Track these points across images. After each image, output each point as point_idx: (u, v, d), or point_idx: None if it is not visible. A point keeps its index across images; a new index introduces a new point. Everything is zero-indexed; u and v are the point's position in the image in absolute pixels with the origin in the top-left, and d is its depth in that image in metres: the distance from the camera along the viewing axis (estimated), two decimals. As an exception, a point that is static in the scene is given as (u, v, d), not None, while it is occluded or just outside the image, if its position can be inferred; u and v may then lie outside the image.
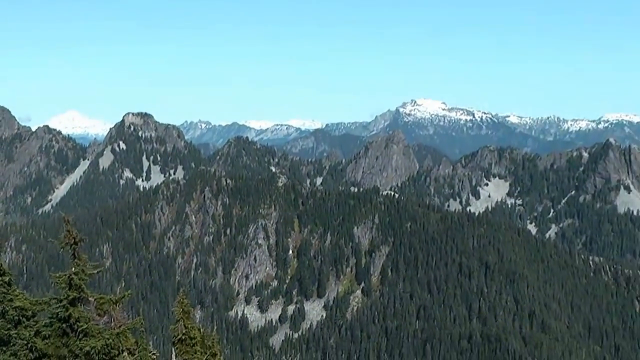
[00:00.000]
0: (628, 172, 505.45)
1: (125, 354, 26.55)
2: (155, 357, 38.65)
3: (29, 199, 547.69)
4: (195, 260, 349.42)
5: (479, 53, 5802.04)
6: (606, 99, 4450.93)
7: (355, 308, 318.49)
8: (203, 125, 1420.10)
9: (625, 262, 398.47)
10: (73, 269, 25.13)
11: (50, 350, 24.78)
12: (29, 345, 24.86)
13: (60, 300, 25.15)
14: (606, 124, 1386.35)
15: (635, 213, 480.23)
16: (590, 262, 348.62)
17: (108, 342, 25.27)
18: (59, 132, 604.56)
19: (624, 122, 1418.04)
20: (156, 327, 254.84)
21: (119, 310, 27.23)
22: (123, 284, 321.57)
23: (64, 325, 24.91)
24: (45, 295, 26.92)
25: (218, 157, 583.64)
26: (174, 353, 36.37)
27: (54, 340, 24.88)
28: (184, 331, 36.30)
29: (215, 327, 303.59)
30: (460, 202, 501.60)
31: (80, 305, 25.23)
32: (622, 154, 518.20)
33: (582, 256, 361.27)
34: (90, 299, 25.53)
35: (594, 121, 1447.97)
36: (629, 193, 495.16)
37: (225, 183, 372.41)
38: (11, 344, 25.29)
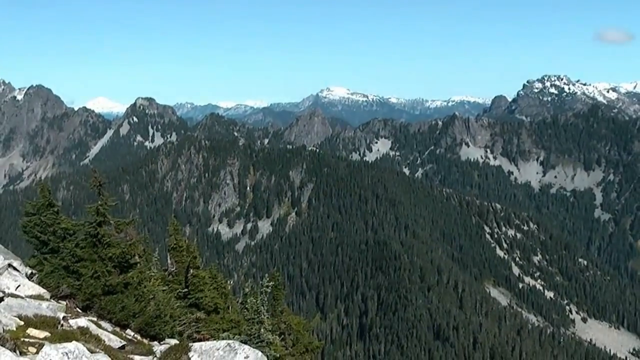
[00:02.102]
0: (467, 134, 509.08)
1: (136, 257, 26.42)
2: (156, 259, 38.50)
3: (74, 156, 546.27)
4: (185, 195, 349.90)
5: (376, 51, 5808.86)
6: (452, 85, 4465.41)
7: (291, 224, 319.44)
8: (189, 105, 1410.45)
9: (466, 192, 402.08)
10: (99, 202, 24.95)
11: (85, 255, 24.59)
12: (71, 253, 24.65)
13: (91, 223, 24.93)
14: (453, 103, 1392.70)
15: (472, 160, 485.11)
16: (444, 192, 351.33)
17: (124, 250, 25.12)
18: (93, 111, 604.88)
19: (465, 101, 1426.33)
20: (159, 239, 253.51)
21: (131, 229, 27.04)
22: (137, 211, 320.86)
23: (94, 239, 24.70)
24: (82, 220, 26.68)
25: (199, 126, 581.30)
26: (169, 257, 36.25)
27: (87, 250, 24.65)
28: (175, 242, 36.16)
29: (198, 239, 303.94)
30: (359, 154, 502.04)
31: (105, 226, 25.01)
32: (464, 123, 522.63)
33: (439, 189, 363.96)
34: (111, 221, 25.33)
35: (445, 101, 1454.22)
36: (468, 147, 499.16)
37: (204, 143, 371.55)
38: (60, 252, 25.09)
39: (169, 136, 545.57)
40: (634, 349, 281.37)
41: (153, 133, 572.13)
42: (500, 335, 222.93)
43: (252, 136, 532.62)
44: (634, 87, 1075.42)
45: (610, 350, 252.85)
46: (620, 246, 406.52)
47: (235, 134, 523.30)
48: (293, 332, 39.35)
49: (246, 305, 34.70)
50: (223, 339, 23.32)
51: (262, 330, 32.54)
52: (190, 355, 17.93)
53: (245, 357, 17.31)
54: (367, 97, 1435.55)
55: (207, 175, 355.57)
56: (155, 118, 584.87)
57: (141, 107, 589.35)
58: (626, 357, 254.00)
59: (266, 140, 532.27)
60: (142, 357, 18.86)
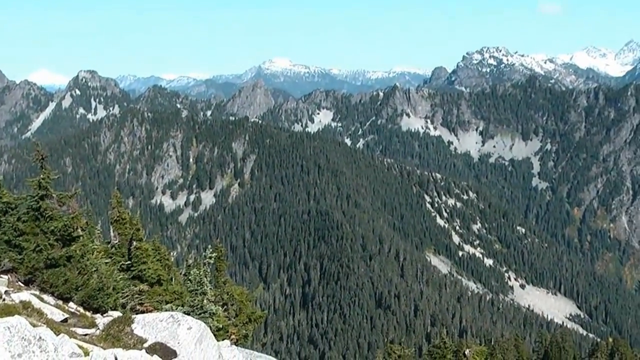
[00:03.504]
0: (408, 105, 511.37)
1: (79, 230, 26.22)
2: (99, 232, 38.31)
3: (16, 129, 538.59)
4: (127, 167, 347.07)
5: (317, 22, 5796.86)
6: (393, 56, 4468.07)
7: (234, 195, 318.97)
8: (131, 78, 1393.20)
9: (406, 162, 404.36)
10: (41, 175, 24.74)
11: (27, 229, 24.37)
12: (13, 227, 24.43)
13: (33, 197, 24.72)
14: (394, 74, 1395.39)
15: (412, 130, 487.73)
16: (385, 163, 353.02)
17: (66, 223, 24.91)
18: (35, 84, 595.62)
19: (405, 72, 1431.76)
20: (101, 212, 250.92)
21: (73, 202, 26.83)
22: (80, 184, 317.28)
23: (36, 213, 24.49)
24: (24, 193, 26.45)
25: (142, 99, 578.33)
26: (111, 229, 36.06)
27: (30, 223, 24.43)
28: (118, 214, 35.95)
29: (141, 211, 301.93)
30: (302, 125, 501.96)
31: (47, 199, 24.81)
32: (404, 93, 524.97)
33: (380, 159, 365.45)
34: (53, 195, 25.12)
35: (386, 72, 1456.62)
36: (408, 118, 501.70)
37: (147, 115, 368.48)
38: (1, 226, 24.85)
39: (111, 109, 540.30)
40: (570, 314, 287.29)
41: (96, 106, 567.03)
42: (441, 302, 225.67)
43: (195, 108, 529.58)
44: (571, 59, 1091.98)
45: (547, 315, 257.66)
46: (557, 214, 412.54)
47: (178, 105, 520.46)
48: (236, 302, 39.43)
49: (189, 277, 34.71)
50: (166, 310, 23.39)
51: (204, 301, 32.60)
52: (133, 327, 17.96)
53: (188, 328, 17.42)
54: (309, 68, 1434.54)
55: (149, 147, 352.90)
56: (98, 91, 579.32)
57: (83, 80, 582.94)
58: (563, 322, 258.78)
59: (209, 112, 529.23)
60: (85, 329, 18.83)
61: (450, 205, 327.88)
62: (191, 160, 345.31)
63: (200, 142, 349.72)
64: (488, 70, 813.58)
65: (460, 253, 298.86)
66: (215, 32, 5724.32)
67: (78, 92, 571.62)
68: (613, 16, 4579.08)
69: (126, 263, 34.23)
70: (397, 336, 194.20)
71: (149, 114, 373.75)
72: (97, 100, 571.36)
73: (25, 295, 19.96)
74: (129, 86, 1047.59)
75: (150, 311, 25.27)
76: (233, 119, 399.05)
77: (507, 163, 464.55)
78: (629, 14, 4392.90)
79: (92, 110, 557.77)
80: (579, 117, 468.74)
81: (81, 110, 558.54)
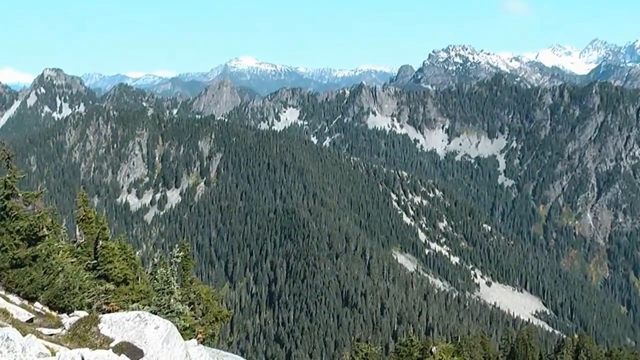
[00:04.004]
0: (374, 103, 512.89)
1: (44, 229, 26.13)
2: (64, 231, 38.15)
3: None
4: (93, 166, 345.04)
5: (284, 21, 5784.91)
6: (360, 54, 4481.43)
7: (200, 194, 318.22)
8: (97, 76, 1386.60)
9: (373, 160, 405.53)
10: (7, 175, 24.64)
11: (-8, 229, 24.31)
12: (-22, 227, 24.34)
13: (-2, 196, 24.66)
14: (360, 72, 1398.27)
15: (379, 129, 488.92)
16: (351, 161, 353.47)
17: (32, 222, 24.83)
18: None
19: (372, 71, 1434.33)
20: (67, 211, 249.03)
21: (39, 201, 26.74)
22: (45, 183, 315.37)
23: (1, 212, 24.41)
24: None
25: (108, 97, 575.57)
26: (77, 228, 35.94)
27: (-5, 223, 24.37)
28: (83, 213, 35.85)
29: (107, 210, 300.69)
30: (268, 124, 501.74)
31: (12, 198, 24.71)
32: (371, 92, 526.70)
33: (346, 157, 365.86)
34: (19, 194, 25.02)
35: (352, 70, 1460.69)
36: (375, 116, 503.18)
37: (112, 114, 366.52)
38: (-34, 226, 24.74)
39: (77, 107, 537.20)
40: (536, 311, 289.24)
41: (61, 104, 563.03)
42: (407, 300, 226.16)
43: (161, 106, 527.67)
44: (536, 57, 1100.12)
45: (513, 312, 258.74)
46: (522, 211, 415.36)
47: (144, 104, 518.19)
48: (202, 301, 39.48)
49: (156, 276, 34.71)
50: (133, 310, 23.37)
51: (171, 300, 32.63)
52: (99, 327, 17.97)
53: (155, 328, 17.45)
54: (276, 66, 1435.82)
55: (115, 145, 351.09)
56: (63, 89, 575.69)
57: (49, 78, 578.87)
58: (529, 319, 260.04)
59: (175, 111, 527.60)
60: (51, 329, 18.81)
61: (417, 203, 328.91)
62: (157, 158, 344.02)
63: (166, 141, 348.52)
64: (454, 68, 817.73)
65: (427, 251, 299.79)
66: (181, 31, 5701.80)
67: (43, 90, 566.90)
68: (578, 15, 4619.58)
69: (92, 262, 34.10)
70: (363, 334, 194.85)
71: (115, 113, 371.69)
72: (63, 98, 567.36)
73: (-9, 295, 19.89)
74: (94, 84, 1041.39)
75: (117, 311, 25.24)
76: (199, 117, 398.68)
77: (473, 161, 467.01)
78: (594, 12, 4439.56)
79: (58, 109, 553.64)
80: (544, 115, 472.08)
81: (46, 109, 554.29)
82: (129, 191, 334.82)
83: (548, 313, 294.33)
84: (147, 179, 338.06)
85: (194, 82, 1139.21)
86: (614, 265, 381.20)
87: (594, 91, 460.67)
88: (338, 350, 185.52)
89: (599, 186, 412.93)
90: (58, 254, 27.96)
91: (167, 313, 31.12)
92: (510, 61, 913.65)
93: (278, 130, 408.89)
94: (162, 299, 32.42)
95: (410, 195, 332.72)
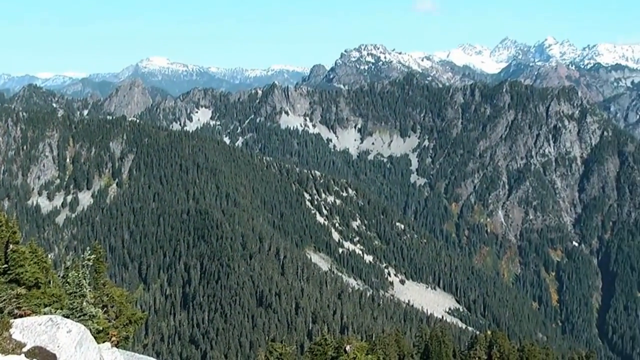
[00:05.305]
0: (287, 103, 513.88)
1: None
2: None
3: None
4: (2, 168, 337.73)
5: (195, 20, 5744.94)
6: (272, 54, 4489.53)
7: (112, 196, 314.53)
8: (5, 77, 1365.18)
9: (286, 160, 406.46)
10: None
11: None
12: None
13: None
14: (272, 72, 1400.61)
15: (292, 128, 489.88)
16: (264, 161, 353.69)
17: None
18: None
19: (284, 70, 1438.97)
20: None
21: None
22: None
23: None
24: None
25: (17, 98, 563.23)
26: (-15, 233, 35.23)
27: None
28: (-8, 217, 35.23)
29: (17, 213, 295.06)
30: (180, 124, 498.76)
31: None
32: (283, 91, 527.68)
33: (259, 157, 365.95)
34: None
35: (265, 70, 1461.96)
36: (287, 116, 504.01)
37: (21, 115, 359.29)
38: None
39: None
40: (449, 308, 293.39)
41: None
42: (322, 299, 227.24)
43: (72, 107, 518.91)
44: (447, 56, 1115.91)
45: (427, 310, 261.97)
46: (435, 210, 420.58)
47: (54, 105, 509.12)
48: (116, 304, 39.10)
49: (67, 279, 34.30)
50: (45, 314, 23.18)
51: (84, 303, 32.30)
52: (11, 332, 17.82)
53: (67, 332, 17.38)
54: (187, 66, 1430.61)
55: (25, 147, 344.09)
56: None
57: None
58: (442, 316, 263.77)
59: (86, 111, 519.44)
60: (-39, 336, 18.57)
61: (330, 203, 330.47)
62: (68, 160, 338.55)
63: (77, 142, 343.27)
64: (366, 67, 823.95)
65: (341, 250, 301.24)
66: (91, 31, 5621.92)
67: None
68: (488, 14, 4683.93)
69: (2, 267, 33.58)
70: (278, 334, 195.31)
71: (24, 114, 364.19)
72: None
73: None
74: (2, 85, 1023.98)
75: (29, 315, 24.99)
76: (110, 118, 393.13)
77: (385, 160, 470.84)
78: (504, 11, 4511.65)
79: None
80: (455, 113, 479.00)
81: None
82: (39, 193, 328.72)
83: (461, 310, 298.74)
84: (58, 181, 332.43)
85: (104, 82, 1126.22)
86: (525, 261, 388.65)
87: (504, 90, 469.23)
88: (253, 350, 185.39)
89: (510, 184, 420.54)
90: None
91: (79, 316, 30.81)
92: (422, 60, 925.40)
93: (190, 131, 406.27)
94: (74, 302, 32.08)
95: (323, 195, 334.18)
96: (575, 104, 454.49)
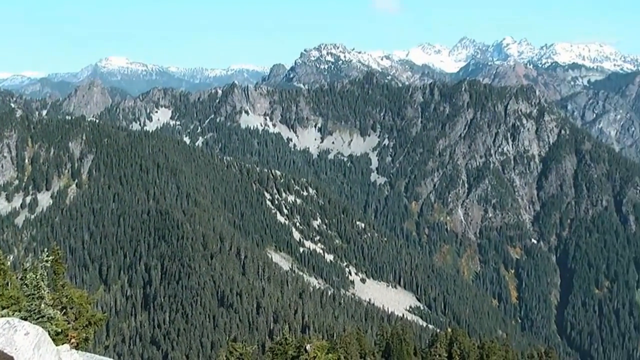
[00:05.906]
0: (247, 102, 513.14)
1: None
2: None
3: None
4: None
5: (154, 20, 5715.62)
6: (231, 54, 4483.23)
7: (72, 196, 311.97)
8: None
9: (246, 159, 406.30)
10: None
11: None
12: None
13: None
14: (232, 71, 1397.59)
15: (252, 128, 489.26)
16: (224, 161, 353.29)
17: None
18: None
19: (244, 70, 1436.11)
20: None
21: None
22: None
23: None
24: None
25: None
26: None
27: None
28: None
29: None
30: (140, 124, 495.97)
31: None
32: (243, 91, 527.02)
33: (219, 157, 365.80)
34: None
35: (224, 70, 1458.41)
36: (247, 115, 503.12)
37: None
38: None
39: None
40: (410, 306, 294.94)
41: None
42: (283, 299, 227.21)
43: (30, 107, 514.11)
44: (407, 55, 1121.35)
45: (388, 308, 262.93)
46: (395, 208, 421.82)
47: (12, 105, 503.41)
48: (75, 305, 38.89)
49: (25, 281, 34.09)
50: (2, 316, 23.01)
51: (42, 305, 32.11)
52: (-32, 335, 17.67)
53: (25, 334, 17.27)
54: (147, 66, 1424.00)
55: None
56: None
57: None
58: (403, 314, 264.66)
59: (44, 112, 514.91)
60: None
61: (291, 202, 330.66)
62: (27, 161, 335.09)
63: (36, 143, 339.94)
64: (326, 67, 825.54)
65: (301, 249, 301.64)
66: (49, 30, 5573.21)
67: None
68: (447, 13, 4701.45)
69: (-41, 269, 33.29)
70: (240, 334, 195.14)
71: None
72: None
73: None
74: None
75: (-14, 318, 24.72)
76: (69, 118, 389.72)
77: (346, 159, 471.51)
78: (462, 11, 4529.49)
79: None
80: (415, 112, 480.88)
81: None
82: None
83: (422, 308, 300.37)
84: (16, 182, 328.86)
85: (63, 82, 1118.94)
86: (485, 259, 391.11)
87: (463, 89, 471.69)
88: (214, 350, 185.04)
89: (469, 182, 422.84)
90: None
91: (37, 319, 30.64)
92: (382, 59, 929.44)
93: (150, 131, 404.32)
94: (32, 304, 31.88)
95: (284, 194, 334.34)
96: (533, 103, 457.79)
